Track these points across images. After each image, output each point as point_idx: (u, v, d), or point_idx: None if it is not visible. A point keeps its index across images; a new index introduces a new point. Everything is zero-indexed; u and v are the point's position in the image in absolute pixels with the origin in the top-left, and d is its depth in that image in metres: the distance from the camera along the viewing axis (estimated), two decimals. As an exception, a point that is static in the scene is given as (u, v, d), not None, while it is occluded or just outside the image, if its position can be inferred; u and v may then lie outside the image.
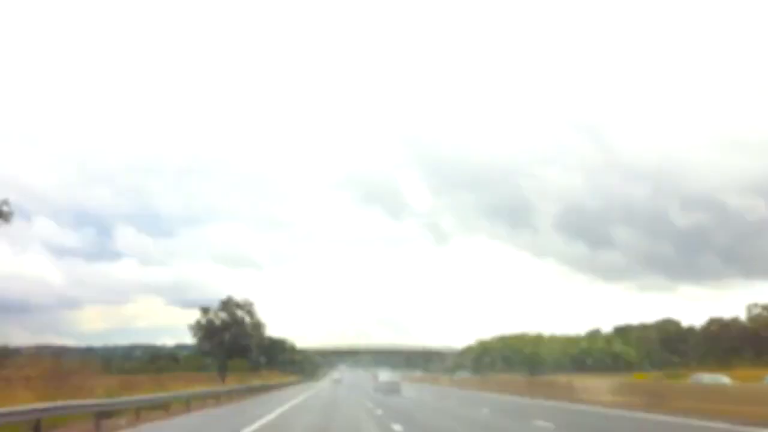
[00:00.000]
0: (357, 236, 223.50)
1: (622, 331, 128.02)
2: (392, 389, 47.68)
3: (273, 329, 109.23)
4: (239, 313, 66.06)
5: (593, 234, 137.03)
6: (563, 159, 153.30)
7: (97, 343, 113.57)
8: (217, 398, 35.69)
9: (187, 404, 28.24)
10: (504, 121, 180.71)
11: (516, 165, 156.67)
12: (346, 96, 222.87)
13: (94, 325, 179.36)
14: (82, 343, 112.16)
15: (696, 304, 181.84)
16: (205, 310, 64.79)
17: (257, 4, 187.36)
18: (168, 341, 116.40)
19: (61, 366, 27.76)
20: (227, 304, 65.56)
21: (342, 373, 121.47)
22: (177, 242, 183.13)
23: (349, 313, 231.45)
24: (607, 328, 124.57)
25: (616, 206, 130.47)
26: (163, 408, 25.67)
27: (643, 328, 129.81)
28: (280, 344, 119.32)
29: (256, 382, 60.65)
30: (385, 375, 56.19)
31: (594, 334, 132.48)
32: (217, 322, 64.55)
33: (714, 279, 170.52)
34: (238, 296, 67.01)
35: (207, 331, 63.65)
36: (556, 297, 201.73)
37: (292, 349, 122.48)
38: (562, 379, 52.89)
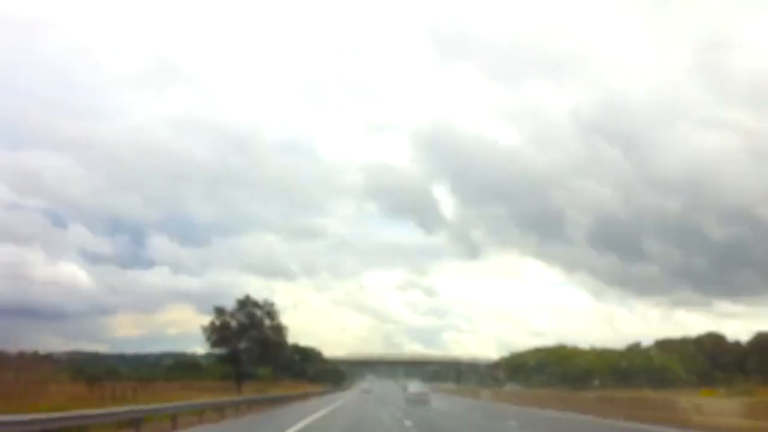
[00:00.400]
0: (388, 247, 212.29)
1: (662, 345, 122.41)
2: (422, 400, 47.87)
3: (303, 339, 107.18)
4: (258, 314, 60.08)
5: (626, 247, 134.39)
6: (597, 171, 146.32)
7: (129, 350, 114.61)
8: (220, 410, 30.90)
9: (173, 419, 23.23)
10: (537, 129, 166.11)
11: (549, 176, 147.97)
12: (372, 102, 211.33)
13: (127, 332, 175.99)
14: (115, 350, 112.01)
15: (732, 321, 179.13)
16: (219, 311, 58.44)
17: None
18: (199, 349, 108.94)
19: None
20: (245, 304, 59.67)
21: (371, 383, 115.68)
22: (209, 251, 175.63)
23: (379, 324, 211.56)
24: (645, 341, 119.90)
25: (650, 219, 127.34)
26: (133, 426, 20.02)
27: (684, 342, 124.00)
28: (307, 353, 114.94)
29: (276, 392, 55.83)
30: (414, 386, 56.50)
31: (633, 348, 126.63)
32: (234, 324, 58.76)
33: (750, 295, 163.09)
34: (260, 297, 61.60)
35: (221, 334, 57.76)
36: (587, 311, 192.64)
37: (320, 359, 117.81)
38: (651, 395, 46.48)
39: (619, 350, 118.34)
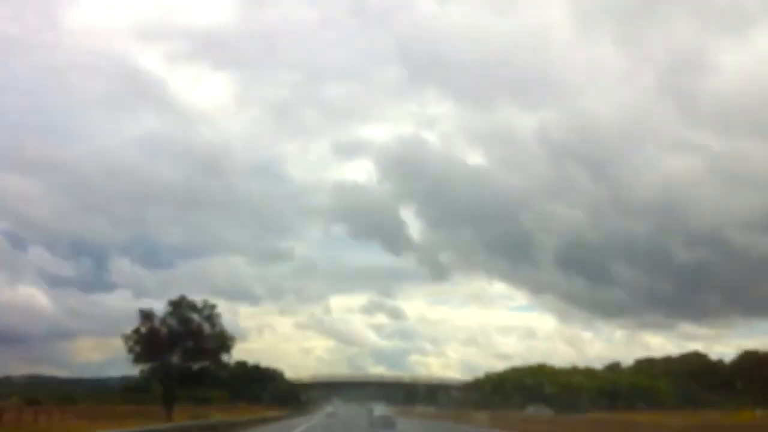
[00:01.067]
0: (355, 270, 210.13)
1: (641, 366, 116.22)
2: (387, 423, 46.94)
3: (266, 363, 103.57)
4: (196, 318, 49.38)
5: (593, 270, 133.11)
6: (565, 193, 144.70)
7: (89, 374, 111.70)
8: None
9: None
10: (505, 151, 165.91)
11: (517, 199, 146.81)
12: (341, 123, 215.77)
13: (87, 356, 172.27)
14: (75, 374, 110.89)
15: (694, 343, 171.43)
16: (146, 315, 47.81)
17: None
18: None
19: None
20: (178, 306, 49.03)
21: (336, 407, 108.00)
22: (173, 273, 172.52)
23: (344, 348, 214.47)
24: (623, 362, 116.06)
25: (617, 242, 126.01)
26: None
27: (666, 361, 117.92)
28: (266, 374, 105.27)
29: (220, 417, 46.35)
30: (379, 409, 56.08)
31: (614, 368, 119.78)
32: (164, 331, 48.01)
33: (715, 317, 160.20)
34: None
35: (148, 345, 46.79)
36: (553, 334, 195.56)
37: (281, 380, 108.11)
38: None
39: (599, 370, 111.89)
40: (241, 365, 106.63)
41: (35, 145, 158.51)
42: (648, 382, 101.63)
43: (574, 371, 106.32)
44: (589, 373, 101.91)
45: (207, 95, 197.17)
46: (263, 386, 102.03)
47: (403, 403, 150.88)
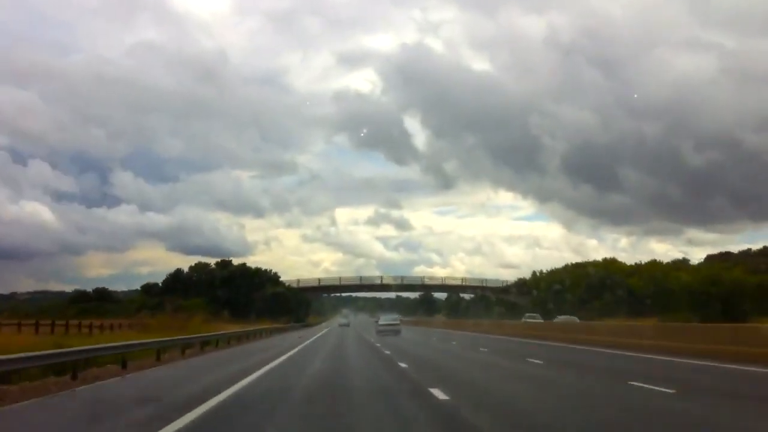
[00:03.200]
0: (359, 181, 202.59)
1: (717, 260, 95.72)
2: (392, 330, 47.73)
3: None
4: None
5: (600, 176, 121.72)
6: (573, 97, 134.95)
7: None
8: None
9: None
10: (512, 56, 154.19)
11: (524, 105, 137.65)
12: (344, 32, 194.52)
13: (96, 272, 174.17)
14: (85, 288, 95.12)
15: (698, 250, 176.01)
16: None
17: None
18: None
19: None
20: None
21: (347, 317, 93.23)
22: (177, 187, 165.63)
23: (351, 259, 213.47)
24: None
25: (626, 147, 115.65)
26: None
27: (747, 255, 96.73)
28: (254, 276, 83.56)
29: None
30: (384, 318, 56.55)
31: (680, 265, 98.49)
32: None
33: (723, 222, 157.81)
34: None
35: None
36: (559, 242, 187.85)
37: (273, 283, 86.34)
38: None
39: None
40: (224, 265, 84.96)
41: (31, 56, 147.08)
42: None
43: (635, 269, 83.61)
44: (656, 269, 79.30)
45: (207, 4, 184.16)
46: (251, 293, 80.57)
47: (423, 314, 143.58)
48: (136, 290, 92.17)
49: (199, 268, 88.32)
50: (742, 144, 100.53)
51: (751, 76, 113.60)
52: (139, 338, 22.68)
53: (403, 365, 17.23)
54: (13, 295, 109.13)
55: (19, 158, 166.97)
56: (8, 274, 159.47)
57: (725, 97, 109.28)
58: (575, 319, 47.38)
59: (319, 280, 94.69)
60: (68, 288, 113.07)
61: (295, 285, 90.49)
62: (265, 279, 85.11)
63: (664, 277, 69.91)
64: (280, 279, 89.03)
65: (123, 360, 17.51)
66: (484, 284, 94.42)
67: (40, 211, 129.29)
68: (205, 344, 29.08)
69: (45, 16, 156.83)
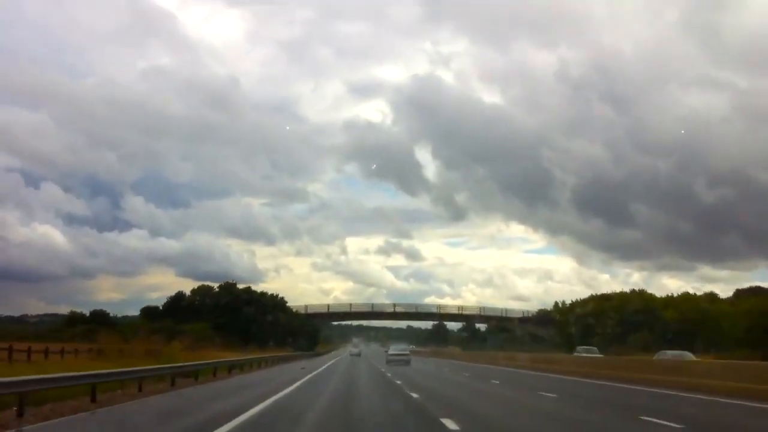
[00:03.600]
0: (370, 211, 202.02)
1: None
2: (402, 360, 48.19)
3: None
4: None
5: (612, 211, 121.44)
6: (584, 132, 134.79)
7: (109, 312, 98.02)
8: None
9: None
10: (523, 89, 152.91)
11: (535, 138, 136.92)
12: (356, 62, 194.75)
13: (107, 296, 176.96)
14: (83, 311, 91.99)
15: (711, 287, 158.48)
16: None
17: None
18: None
19: None
20: None
21: (358, 347, 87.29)
22: (188, 212, 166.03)
23: (361, 289, 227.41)
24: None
25: (637, 182, 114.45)
26: None
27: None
28: (256, 300, 78.69)
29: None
30: (394, 348, 57.00)
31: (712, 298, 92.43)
32: None
33: (734, 259, 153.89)
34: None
35: None
36: (571, 275, 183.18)
37: (281, 308, 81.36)
38: None
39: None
40: (228, 289, 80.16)
41: (45, 79, 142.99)
42: None
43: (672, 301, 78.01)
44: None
45: (220, 32, 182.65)
46: (253, 318, 75.61)
47: (435, 345, 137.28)
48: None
49: (202, 291, 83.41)
50: (754, 181, 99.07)
51: (763, 115, 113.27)
52: (83, 368, 17.36)
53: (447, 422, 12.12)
54: (23, 317, 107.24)
55: (31, 181, 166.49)
56: (19, 296, 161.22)
57: (737, 135, 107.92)
58: (689, 354, 34.00)
59: (329, 306, 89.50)
60: (79, 311, 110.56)
61: (303, 311, 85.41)
62: (271, 304, 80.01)
63: (704, 311, 64.35)
64: (287, 305, 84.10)
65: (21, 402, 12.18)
66: (504, 314, 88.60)
67: (52, 234, 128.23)
68: (188, 375, 24.05)
69: (58, 38, 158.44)
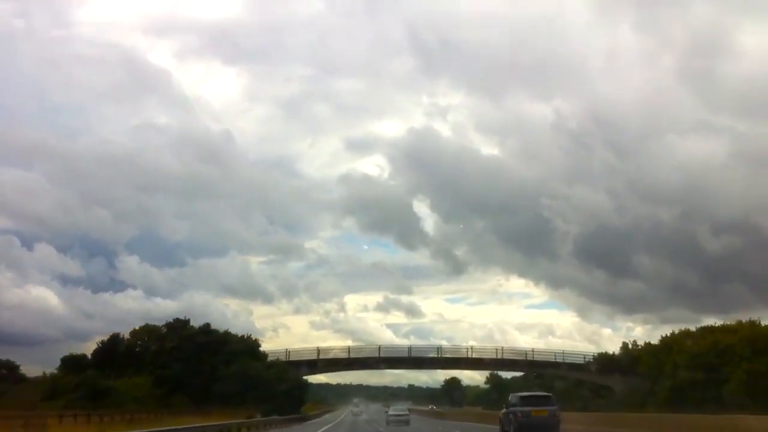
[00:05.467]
0: (368, 267, 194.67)
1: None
2: (401, 421, 47.79)
3: None
4: None
5: (614, 263, 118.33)
6: (584, 184, 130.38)
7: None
8: None
9: None
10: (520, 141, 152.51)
11: (533, 191, 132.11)
12: (352, 118, 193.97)
13: None
14: None
15: None
16: None
17: None
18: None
19: None
20: None
21: (358, 406, 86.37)
22: (184, 271, 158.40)
23: (360, 347, 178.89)
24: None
25: (639, 233, 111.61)
26: None
27: None
28: (219, 343, 56.72)
29: None
30: (394, 408, 56.91)
31: None
32: None
33: (740, 310, 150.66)
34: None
35: None
36: (573, 329, 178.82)
37: (251, 354, 58.67)
38: None
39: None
40: (176, 328, 58.07)
41: (39, 138, 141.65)
42: None
43: None
44: None
45: (217, 91, 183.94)
46: (213, 367, 53.44)
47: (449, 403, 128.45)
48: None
49: (146, 333, 61.16)
50: (758, 229, 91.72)
51: (765, 160, 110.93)
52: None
53: None
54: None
55: (25, 241, 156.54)
56: (14, 359, 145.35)
57: (740, 182, 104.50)
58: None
59: (318, 350, 66.05)
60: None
61: (283, 357, 62.60)
62: (238, 349, 57.48)
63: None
64: (261, 348, 61.44)
65: None
66: (560, 359, 64.97)
67: (46, 296, 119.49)
68: None
69: (51, 97, 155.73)
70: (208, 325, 57.97)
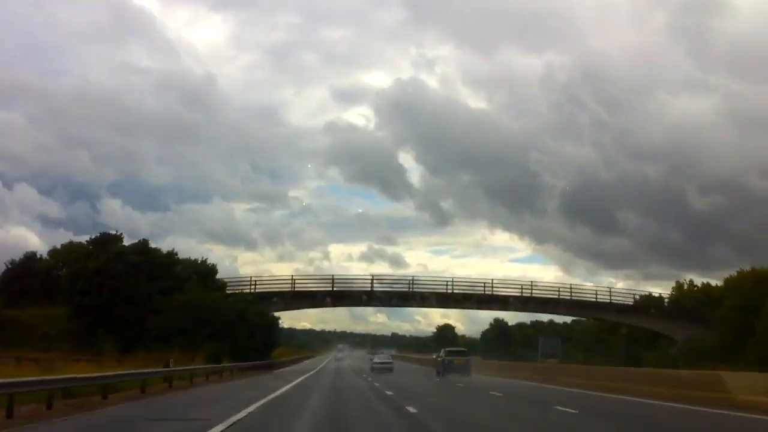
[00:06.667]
0: (353, 217, 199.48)
1: None
2: (386, 368, 47.52)
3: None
4: None
5: (599, 219, 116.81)
6: (572, 139, 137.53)
7: None
8: None
9: None
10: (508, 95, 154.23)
11: (520, 144, 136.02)
12: (339, 68, 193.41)
13: None
14: None
15: None
16: None
17: None
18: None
19: None
20: None
21: (342, 351, 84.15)
22: (167, 216, 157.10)
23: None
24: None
25: (626, 189, 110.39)
26: None
27: None
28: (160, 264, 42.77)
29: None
30: (379, 357, 56.14)
31: None
32: None
33: (722, 269, 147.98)
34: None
35: None
36: (555, 284, 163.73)
37: (202, 280, 44.66)
38: None
39: None
40: (103, 244, 43.99)
41: (19, 79, 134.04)
42: None
43: None
44: None
45: (202, 36, 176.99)
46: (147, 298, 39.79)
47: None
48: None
49: (68, 252, 46.92)
50: (745, 189, 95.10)
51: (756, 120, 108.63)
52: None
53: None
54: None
55: (6, 182, 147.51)
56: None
57: (730, 141, 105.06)
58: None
59: (293, 279, 50.92)
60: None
61: (250, 289, 48.46)
62: (185, 274, 43.39)
63: None
64: (218, 276, 47.20)
65: None
66: (604, 298, 50.67)
67: (26, 236, 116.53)
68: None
69: (31, 35, 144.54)
70: (145, 242, 43.43)
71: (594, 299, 50.98)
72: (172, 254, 44.78)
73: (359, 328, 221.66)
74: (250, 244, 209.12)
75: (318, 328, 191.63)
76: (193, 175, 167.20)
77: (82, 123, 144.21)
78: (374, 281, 52.31)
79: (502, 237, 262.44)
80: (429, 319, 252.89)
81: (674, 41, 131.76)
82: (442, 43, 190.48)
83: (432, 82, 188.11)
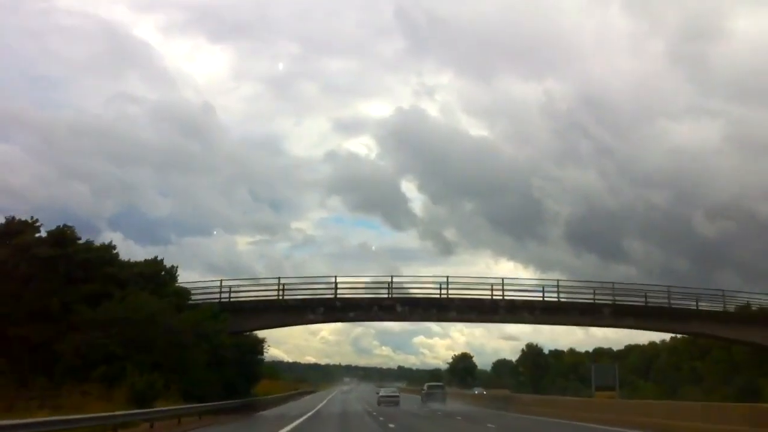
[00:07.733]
0: (356, 248, 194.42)
1: None
2: (392, 401, 49.69)
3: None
4: None
5: (604, 246, 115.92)
6: (574, 167, 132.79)
7: None
8: None
9: None
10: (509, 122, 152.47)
11: (523, 173, 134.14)
12: (340, 98, 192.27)
13: None
14: None
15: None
16: None
17: None
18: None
19: None
20: None
21: (349, 385, 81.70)
22: (168, 250, 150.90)
23: (349, 329, 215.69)
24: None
25: (630, 216, 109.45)
26: None
27: None
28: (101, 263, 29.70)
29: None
30: (385, 390, 59.91)
31: None
32: None
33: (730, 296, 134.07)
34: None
35: None
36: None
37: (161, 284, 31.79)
38: None
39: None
40: (17, 231, 31.13)
41: (17, 111, 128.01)
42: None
43: None
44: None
45: (204, 68, 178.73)
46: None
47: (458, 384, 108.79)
48: None
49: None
50: (751, 213, 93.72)
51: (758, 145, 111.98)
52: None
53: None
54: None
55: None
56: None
57: (733, 166, 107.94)
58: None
59: (281, 285, 37.33)
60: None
61: (221, 297, 35.55)
62: (123, 276, 30.70)
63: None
64: (179, 282, 34.34)
65: None
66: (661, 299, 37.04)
67: None
68: None
69: (31, 67, 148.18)
70: (65, 230, 30.49)
71: (695, 308, 37.34)
72: (108, 248, 32.07)
73: (363, 362, 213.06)
74: (254, 278, 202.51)
75: (323, 362, 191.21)
76: (194, 207, 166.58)
77: (81, 155, 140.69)
78: (392, 286, 39.10)
79: (506, 266, 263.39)
80: (435, 352, 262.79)
81: (675, 68, 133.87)
82: (442, 72, 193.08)
83: (433, 110, 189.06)
